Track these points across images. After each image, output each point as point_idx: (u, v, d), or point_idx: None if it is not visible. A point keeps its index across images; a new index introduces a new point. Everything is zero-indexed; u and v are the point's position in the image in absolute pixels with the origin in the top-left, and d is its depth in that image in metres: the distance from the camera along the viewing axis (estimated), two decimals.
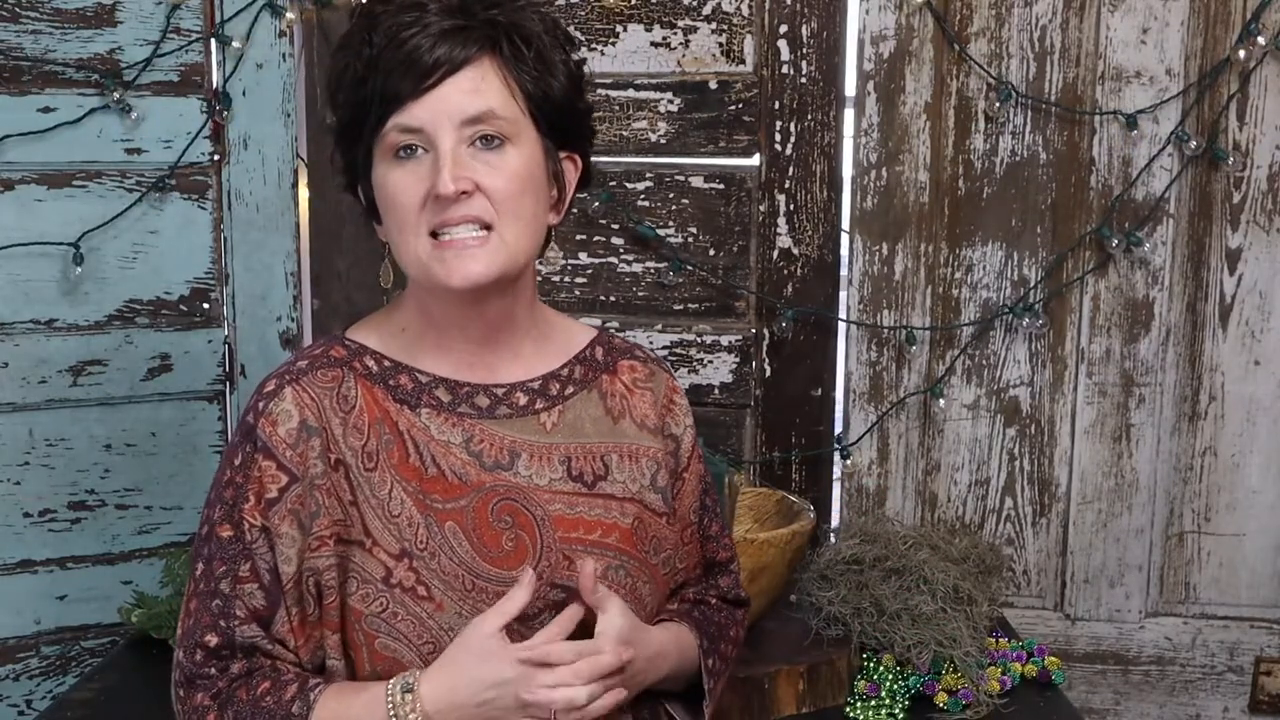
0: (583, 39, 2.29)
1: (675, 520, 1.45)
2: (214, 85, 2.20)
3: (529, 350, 1.40)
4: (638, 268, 2.35)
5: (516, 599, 1.28)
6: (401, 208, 1.28)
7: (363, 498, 1.31)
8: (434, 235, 1.28)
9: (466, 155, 1.27)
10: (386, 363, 1.36)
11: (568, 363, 1.42)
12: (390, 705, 1.26)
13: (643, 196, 2.33)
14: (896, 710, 1.86)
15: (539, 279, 1.48)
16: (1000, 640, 2.05)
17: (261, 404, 1.31)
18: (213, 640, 1.29)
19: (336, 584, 1.30)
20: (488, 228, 1.28)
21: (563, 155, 1.36)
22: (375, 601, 1.29)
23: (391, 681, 1.27)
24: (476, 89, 1.26)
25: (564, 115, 1.34)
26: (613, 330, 1.53)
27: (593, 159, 1.42)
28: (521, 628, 1.30)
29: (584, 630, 1.31)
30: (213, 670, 1.30)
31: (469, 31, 1.27)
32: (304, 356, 1.36)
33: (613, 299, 2.36)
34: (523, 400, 1.38)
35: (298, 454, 1.29)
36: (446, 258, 1.27)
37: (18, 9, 2.08)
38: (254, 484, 1.29)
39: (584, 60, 1.40)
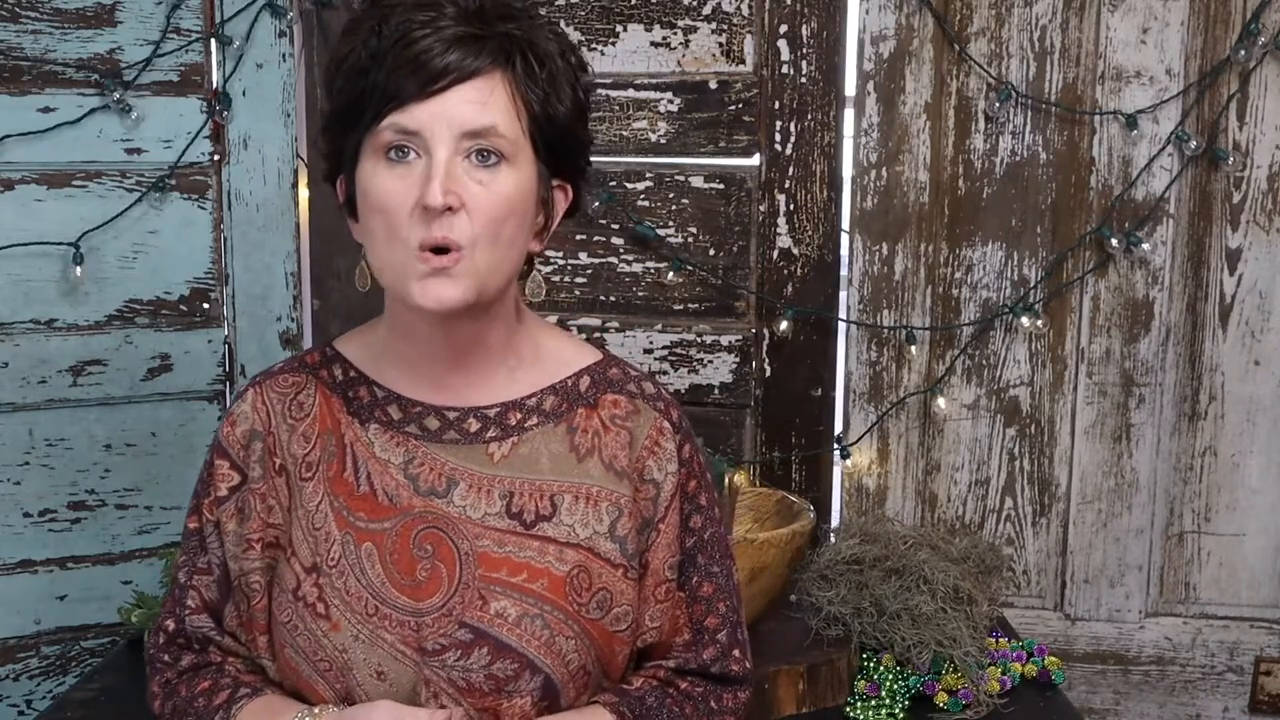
0: (583, 39, 2.29)
1: (645, 574, 1.34)
2: (214, 85, 2.20)
3: (502, 376, 1.34)
4: (637, 268, 2.35)
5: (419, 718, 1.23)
6: (389, 212, 1.22)
7: (295, 505, 1.32)
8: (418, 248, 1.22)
9: (460, 169, 1.21)
10: (353, 373, 1.35)
11: (538, 392, 1.34)
12: None
13: (643, 196, 2.33)
14: (896, 710, 1.86)
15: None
16: (1000, 640, 2.05)
17: (232, 404, 1.37)
18: (170, 625, 1.36)
19: (262, 588, 1.32)
20: (460, 249, 1.21)
21: (555, 183, 1.31)
22: (285, 610, 1.30)
23: (299, 713, 1.28)
24: (483, 102, 1.21)
25: (564, 141, 1.29)
26: (626, 361, 1.40)
27: (591, 165, 1.35)
28: (424, 660, 1.26)
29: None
30: (167, 657, 1.36)
31: (483, 42, 1.22)
32: (287, 360, 1.40)
33: (612, 299, 2.36)
34: (474, 427, 1.32)
35: (248, 454, 1.34)
36: (423, 274, 1.21)
37: (18, 9, 2.08)
38: (213, 480, 1.34)
39: (594, 87, 1.34)
